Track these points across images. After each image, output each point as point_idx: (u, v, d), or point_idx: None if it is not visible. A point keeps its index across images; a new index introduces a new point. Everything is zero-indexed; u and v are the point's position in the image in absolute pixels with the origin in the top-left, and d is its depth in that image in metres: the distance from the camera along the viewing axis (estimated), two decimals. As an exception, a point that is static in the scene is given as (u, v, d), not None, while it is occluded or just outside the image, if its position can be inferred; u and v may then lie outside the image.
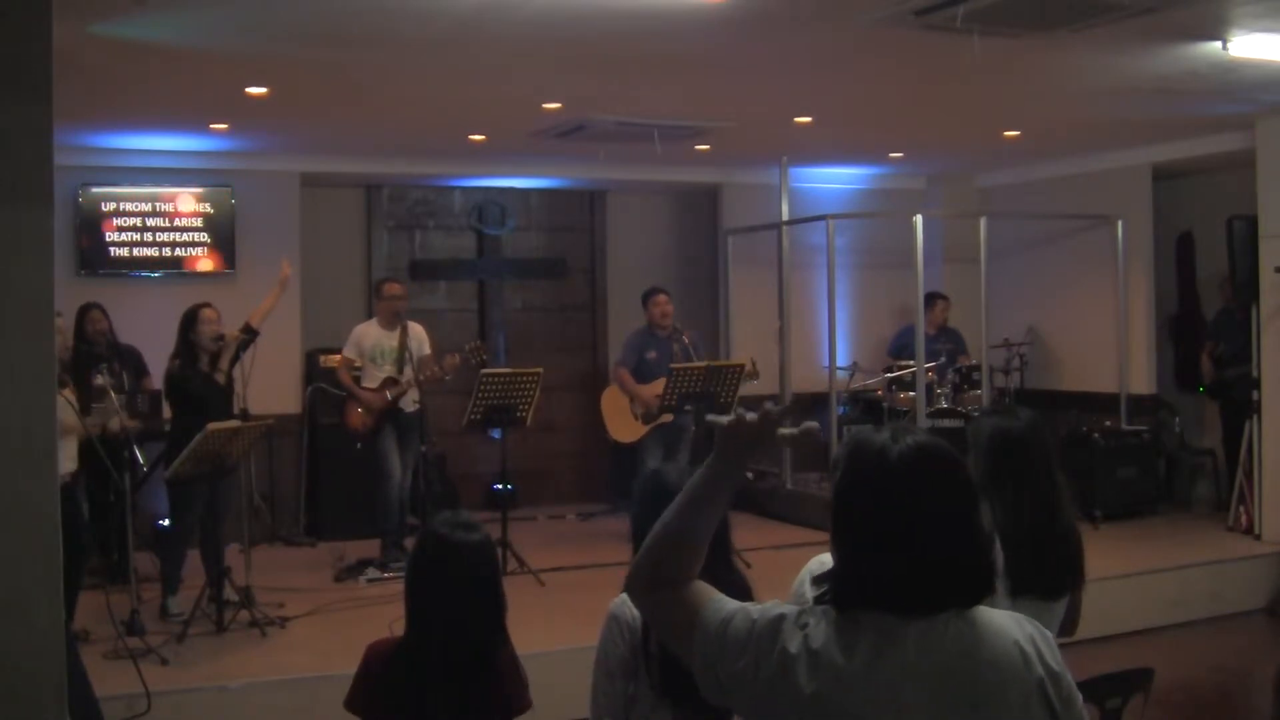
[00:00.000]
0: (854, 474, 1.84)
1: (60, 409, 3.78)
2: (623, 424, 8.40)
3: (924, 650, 1.75)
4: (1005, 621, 1.82)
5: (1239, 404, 8.51)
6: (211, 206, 8.71)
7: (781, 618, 1.84)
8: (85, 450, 5.93)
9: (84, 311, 7.48)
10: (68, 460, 5.61)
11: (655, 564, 1.96)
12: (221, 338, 6.55)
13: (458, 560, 2.90)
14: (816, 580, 1.89)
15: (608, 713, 2.91)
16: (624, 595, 2.95)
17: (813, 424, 1.96)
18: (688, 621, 1.90)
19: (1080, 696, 1.85)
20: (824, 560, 2.91)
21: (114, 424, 6.06)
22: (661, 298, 8.53)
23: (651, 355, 8.42)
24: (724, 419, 1.92)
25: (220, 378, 6.53)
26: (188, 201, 8.66)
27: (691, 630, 1.89)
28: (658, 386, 8.02)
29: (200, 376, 6.49)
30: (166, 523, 7.07)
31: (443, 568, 2.91)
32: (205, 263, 8.71)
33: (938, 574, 1.77)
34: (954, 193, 10.64)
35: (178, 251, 8.65)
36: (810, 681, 1.76)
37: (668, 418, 8.12)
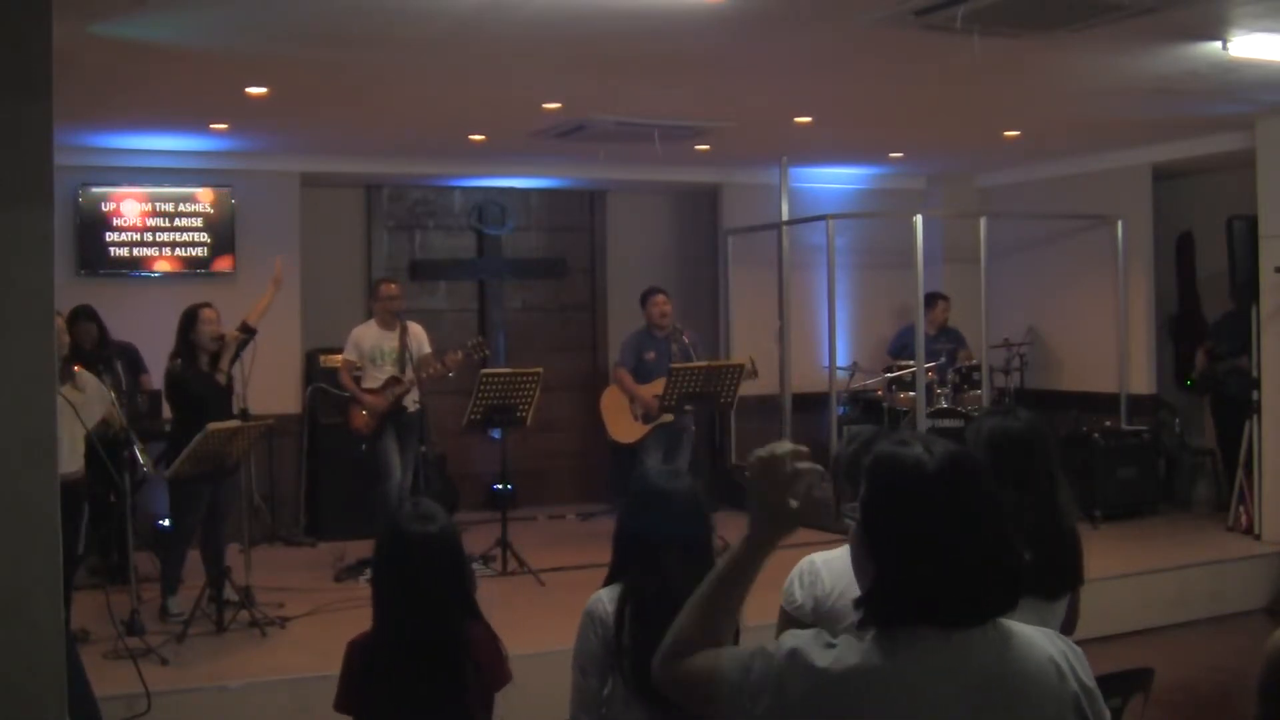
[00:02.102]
0: (891, 490, 1.83)
1: (63, 407, 3.78)
2: (623, 424, 8.40)
3: (964, 662, 1.76)
4: (1039, 636, 1.85)
5: (1232, 401, 8.52)
6: (211, 206, 8.71)
7: (797, 649, 1.82)
8: (86, 450, 5.92)
9: (72, 321, 7.33)
10: (76, 458, 5.60)
11: (689, 638, 1.92)
12: (221, 338, 6.55)
13: (415, 552, 2.91)
14: (856, 603, 1.87)
15: (583, 710, 2.91)
16: (599, 592, 2.96)
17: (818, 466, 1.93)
18: (708, 678, 1.88)
19: (1109, 713, 1.87)
20: (814, 560, 2.91)
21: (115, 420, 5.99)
22: (660, 298, 8.53)
23: (650, 355, 8.42)
24: (760, 452, 1.87)
25: (221, 378, 6.53)
26: (188, 201, 8.66)
27: (713, 685, 1.87)
28: (657, 386, 8.01)
29: (200, 377, 6.49)
30: (167, 523, 7.06)
31: (402, 560, 2.93)
32: (205, 263, 8.71)
33: (980, 582, 1.78)
34: (954, 193, 10.63)
35: (177, 251, 8.65)
36: (846, 695, 1.76)
37: (668, 418, 8.12)
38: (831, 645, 1.81)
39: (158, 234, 8.60)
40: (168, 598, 6.39)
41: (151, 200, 8.58)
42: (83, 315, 7.41)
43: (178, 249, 8.65)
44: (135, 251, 8.54)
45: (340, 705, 2.97)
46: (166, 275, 8.61)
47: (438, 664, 2.89)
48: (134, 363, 7.86)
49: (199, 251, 8.69)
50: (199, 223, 8.69)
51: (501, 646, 3.05)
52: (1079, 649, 1.87)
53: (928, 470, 1.80)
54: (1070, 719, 1.78)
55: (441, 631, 2.90)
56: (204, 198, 8.70)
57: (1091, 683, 1.83)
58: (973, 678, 1.75)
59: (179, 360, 6.52)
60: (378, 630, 2.95)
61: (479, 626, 3.01)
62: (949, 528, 1.78)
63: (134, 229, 8.53)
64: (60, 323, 5.36)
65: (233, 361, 6.59)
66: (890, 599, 1.80)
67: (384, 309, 7.70)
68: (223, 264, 8.72)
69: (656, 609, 2.80)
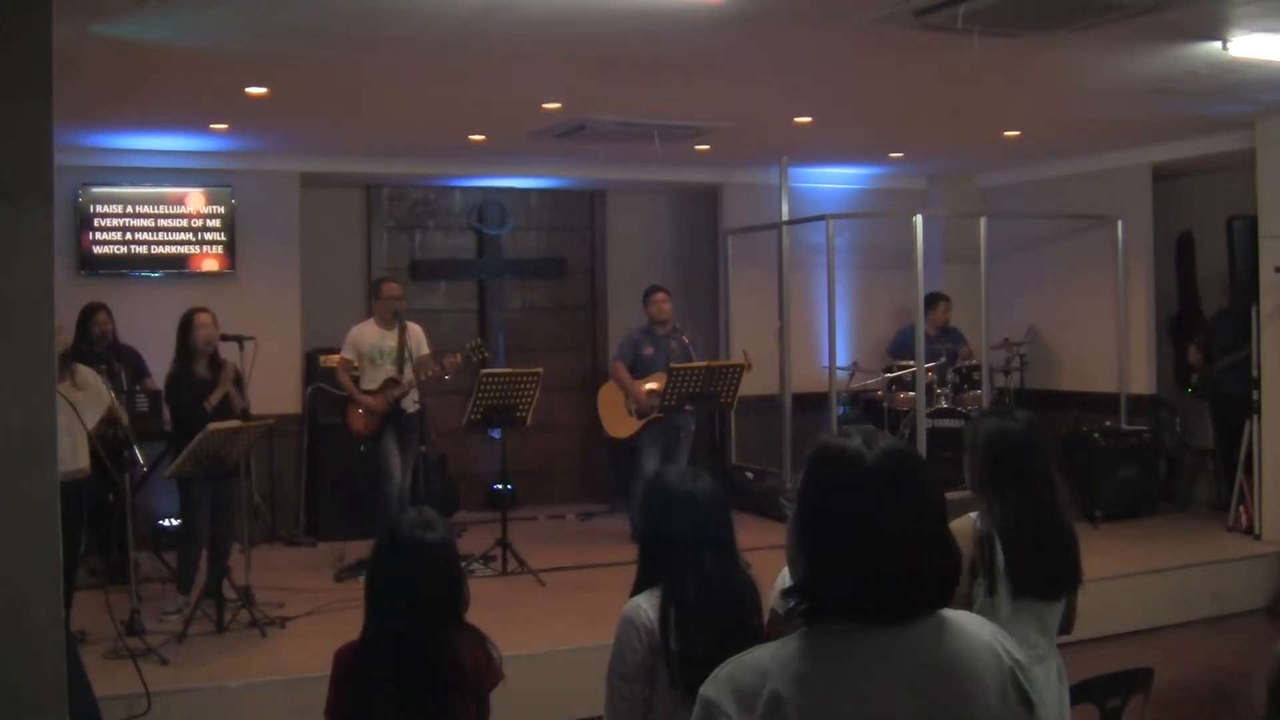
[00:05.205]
0: (827, 481, 1.83)
1: (63, 406, 3.77)
2: (618, 420, 8.41)
3: (908, 655, 1.76)
4: (972, 620, 1.86)
5: (1231, 400, 8.51)
6: (211, 206, 8.71)
7: (729, 666, 1.80)
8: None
9: (91, 312, 7.44)
10: (81, 457, 5.60)
11: None
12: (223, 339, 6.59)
13: (412, 557, 2.92)
14: (785, 594, 1.86)
15: (627, 717, 2.89)
16: (636, 599, 2.95)
17: None
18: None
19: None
20: None
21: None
22: (660, 295, 8.55)
23: (648, 351, 8.44)
24: None
25: (220, 387, 6.57)
26: (188, 201, 8.66)
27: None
28: (650, 381, 8.05)
29: (194, 381, 6.52)
30: (169, 523, 7.07)
31: (398, 564, 2.94)
32: (205, 263, 8.71)
33: (914, 580, 1.77)
34: (954, 193, 10.63)
35: (178, 251, 8.65)
36: (796, 709, 1.72)
37: (659, 415, 8.14)
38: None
39: (157, 234, 8.59)
40: (179, 596, 6.42)
41: (151, 200, 8.58)
42: (101, 308, 7.50)
43: (178, 249, 8.64)
44: (134, 251, 8.54)
45: (331, 714, 2.96)
46: (166, 275, 8.61)
47: (425, 669, 2.88)
48: (136, 366, 7.87)
49: (199, 251, 8.69)
50: (199, 223, 8.68)
51: (493, 648, 3.05)
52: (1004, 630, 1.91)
53: (865, 464, 1.79)
54: (1011, 691, 1.80)
55: (429, 636, 2.90)
56: (204, 198, 8.70)
57: (1021, 655, 1.86)
58: (917, 671, 1.75)
59: (175, 365, 6.60)
60: (366, 632, 2.96)
61: (467, 631, 3.02)
62: (882, 524, 1.76)
63: (134, 229, 8.52)
64: (59, 323, 5.36)
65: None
66: (820, 592, 1.79)
67: (385, 309, 7.66)
68: (223, 264, 8.72)
69: (700, 608, 2.87)
